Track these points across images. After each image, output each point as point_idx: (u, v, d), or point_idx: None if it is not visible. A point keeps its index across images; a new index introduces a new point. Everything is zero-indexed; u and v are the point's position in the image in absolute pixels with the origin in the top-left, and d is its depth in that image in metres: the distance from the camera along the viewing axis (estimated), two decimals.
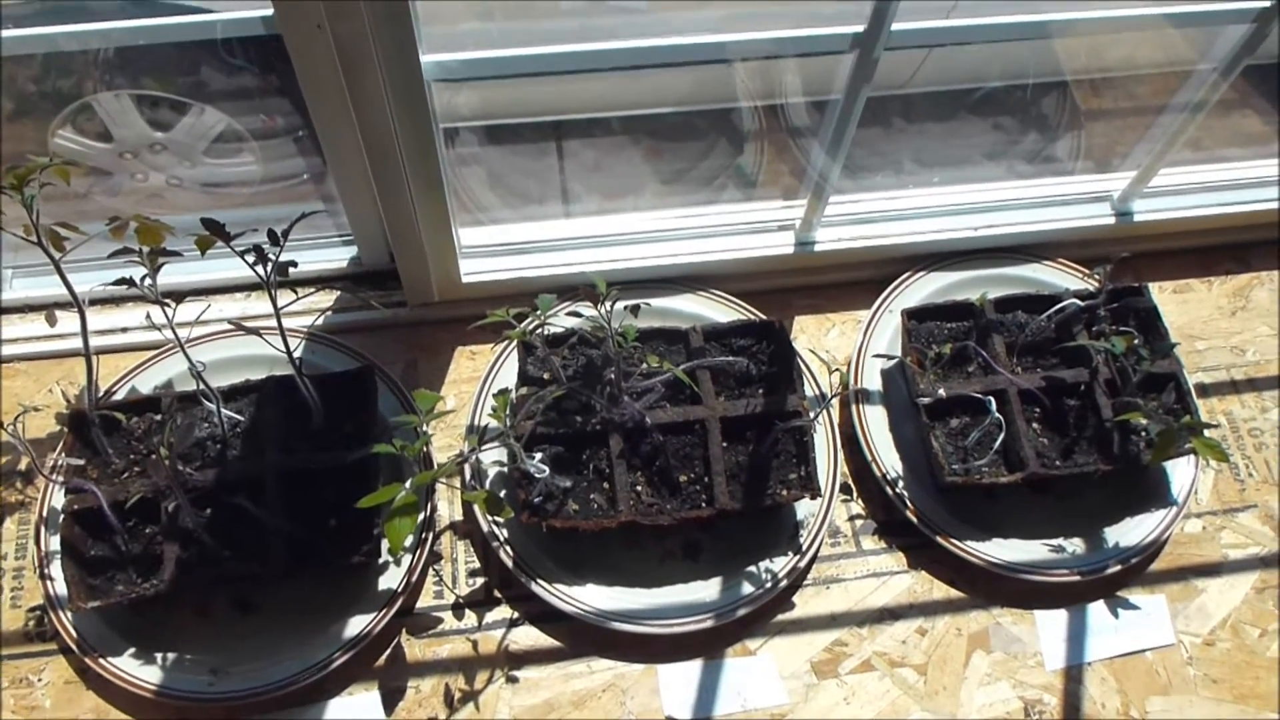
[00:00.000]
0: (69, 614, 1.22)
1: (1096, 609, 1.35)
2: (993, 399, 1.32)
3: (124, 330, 1.47)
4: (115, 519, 1.20)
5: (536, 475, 1.23)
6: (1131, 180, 1.55)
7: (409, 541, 1.28)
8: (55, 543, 1.23)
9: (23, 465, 1.38)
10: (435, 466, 1.33)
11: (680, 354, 1.38)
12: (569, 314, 1.33)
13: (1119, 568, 1.33)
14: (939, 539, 1.33)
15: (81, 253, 1.15)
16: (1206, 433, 1.25)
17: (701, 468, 1.29)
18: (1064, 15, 1.26)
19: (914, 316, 1.44)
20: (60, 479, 1.25)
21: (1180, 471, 1.41)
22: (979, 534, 1.34)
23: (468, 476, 1.35)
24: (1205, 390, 1.53)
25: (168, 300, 1.16)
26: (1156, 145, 1.47)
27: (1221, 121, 1.82)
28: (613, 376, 1.28)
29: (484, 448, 1.22)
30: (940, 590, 1.35)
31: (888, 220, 1.55)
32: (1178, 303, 1.61)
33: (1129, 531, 1.36)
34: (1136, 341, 1.35)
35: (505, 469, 1.35)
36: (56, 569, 1.23)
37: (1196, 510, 1.43)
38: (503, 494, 1.33)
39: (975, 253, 1.56)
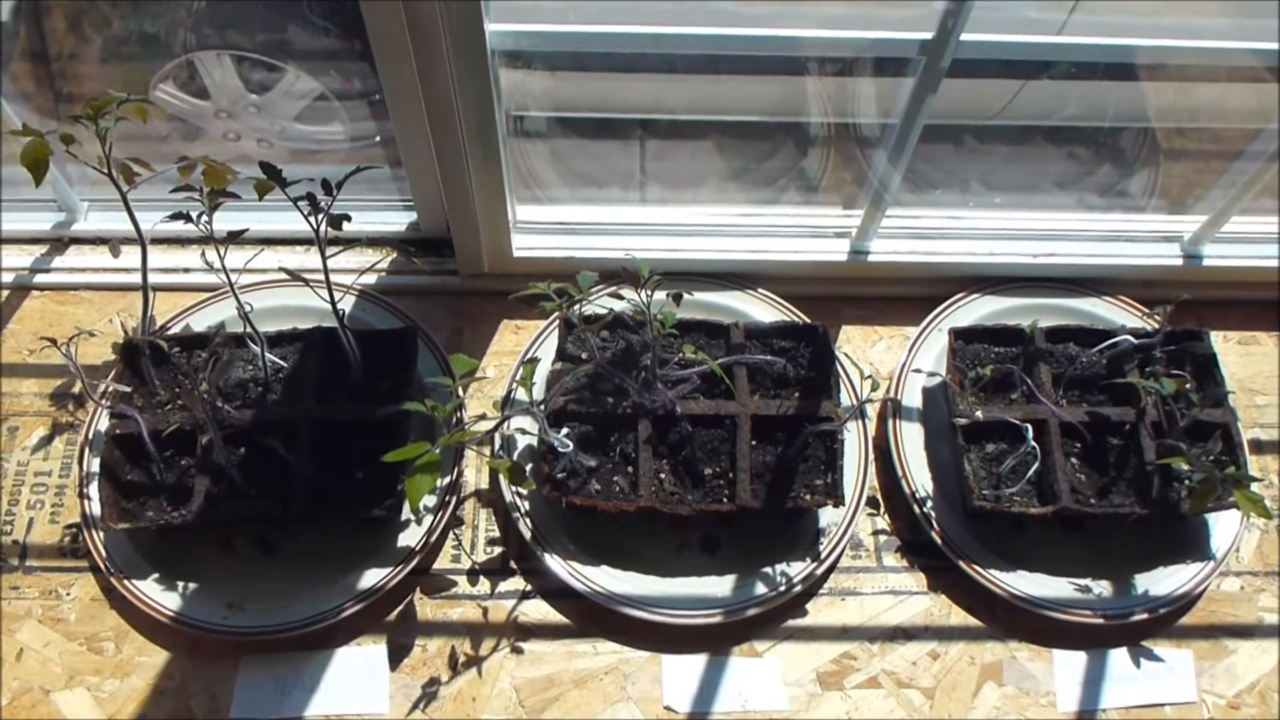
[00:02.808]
0: (101, 534, 1.27)
1: (1118, 655, 1.31)
2: (1030, 427, 1.29)
3: (186, 270, 1.52)
4: (153, 447, 1.25)
5: (561, 450, 1.24)
6: (1204, 223, 1.50)
7: (431, 503, 1.31)
8: (97, 465, 1.28)
9: (77, 388, 1.43)
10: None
11: (720, 348, 1.38)
12: (611, 295, 1.33)
13: (1146, 616, 1.30)
14: (962, 564, 1.30)
15: (154, 194, 1.20)
16: (1254, 488, 1.20)
17: (727, 463, 1.29)
18: (1151, 42, 1.23)
19: (961, 337, 1.42)
20: (107, 404, 1.30)
21: (1223, 526, 1.36)
22: (1004, 564, 1.32)
23: (497, 446, 1.36)
24: (1260, 447, 1.48)
25: (221, 240, 1.20)
26: (1232, 190, 1.43)
27: None
28: (649, 362, 1.29)
29: (511, 414, 1.24)
30: (958, 616, 1.33)
31: (946, 238, 1.53)
32: (1242, 354, 1.56)
33: (1161, 580, 1.32)
34: (1188, 386, 1.31)
35: (534, 442, 1.36)
36: (95, 490, 1.27)
37: (1236, 569, 1.38)
38: (529, 467, 1.35)
39: (1033, 280, 1.53)
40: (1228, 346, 1.56)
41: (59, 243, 1.57)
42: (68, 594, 1.29)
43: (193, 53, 1.83)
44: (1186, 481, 1.30)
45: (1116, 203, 1.78)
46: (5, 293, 1.52)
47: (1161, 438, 1.32)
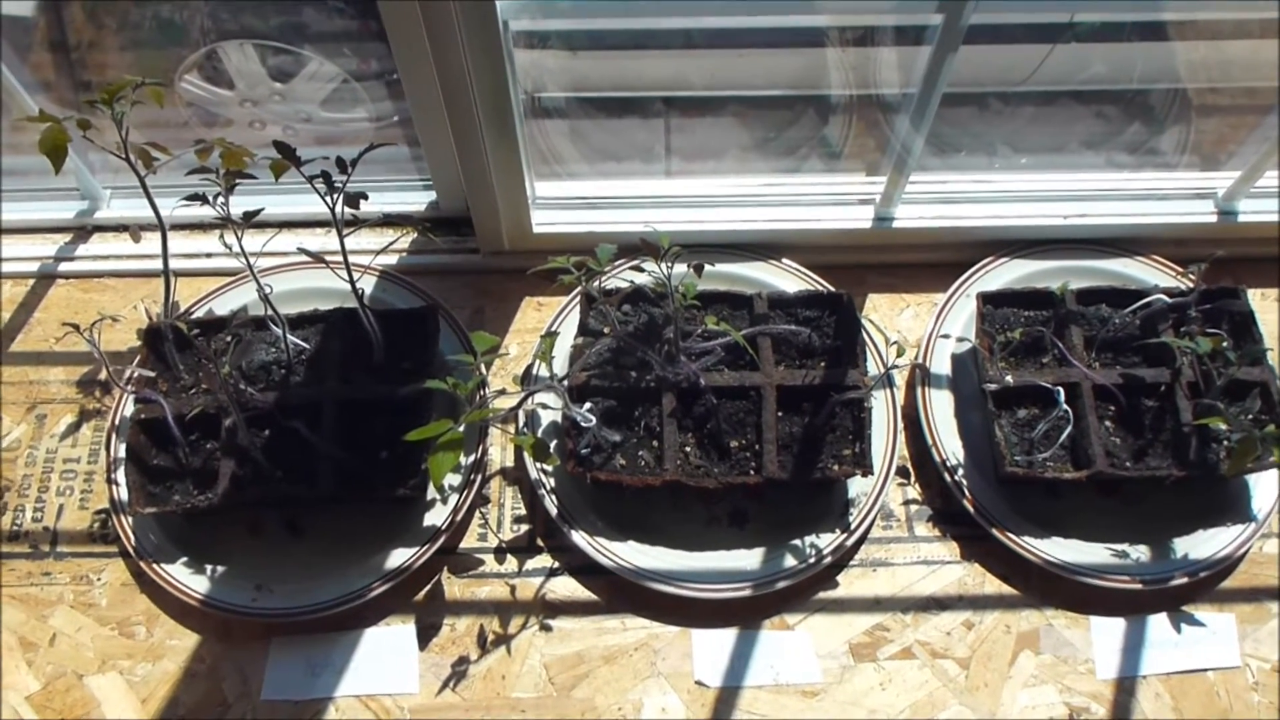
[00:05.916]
0: (130, 519, 1.27)
1: (1157, 621, 1.29)
2: (1062, 390, 1.27)
3: (208, 255, 1.53)
4: (178, 431, 1.25)
5: (584, 425, 1.23)
6: (1238, 179, 1.46)
7: (457, 481, 1.30)
8: (123, 450, 1.28)
9: (103, 375, 1.44)
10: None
11: (744, 319, 1.37)
12: (633, 269, 1.32)
13: (1185, 580, 1.27)
14: (995, 532, 1.28)
15: (175, 180, 1.19)
16: None
17: (753, 435, 1.28)
18: None
19: (990, 301, 1.39)
20: (132, 389, 1.30)
21: (1264, 487, 1.33)
22: (1038, 531, 1.29)
23: (521, 423, 1.35)
24: None
25: (239, 222, 1.20)
26: (1266, 144, 1.38)
27: None
28: (671, 335, 1.27)
29: (534, 389, 1.23)
30: (992, 585, 1.31)
31: (972, 202, 1.49)
32: None
33: (1200, 544, 1.29)
34: (1225, 344, 1.27)
35: (558, 418, 1.35)
36: (122, 475, 1.28)
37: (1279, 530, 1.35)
38: (553, 444, 1.34)
39: (1063, 242, 1.49)
40: (1266, 304, 1.52)
41: (82, 230, 1.58)
42: (98, 579, 1.30)
43: (214, 43, 1.83)
44: (1225, 442, 1.27)
45: (1147, 161, 1.73)
46: (30, 281, 1.53)
47: (1198, 398, 1.29)
